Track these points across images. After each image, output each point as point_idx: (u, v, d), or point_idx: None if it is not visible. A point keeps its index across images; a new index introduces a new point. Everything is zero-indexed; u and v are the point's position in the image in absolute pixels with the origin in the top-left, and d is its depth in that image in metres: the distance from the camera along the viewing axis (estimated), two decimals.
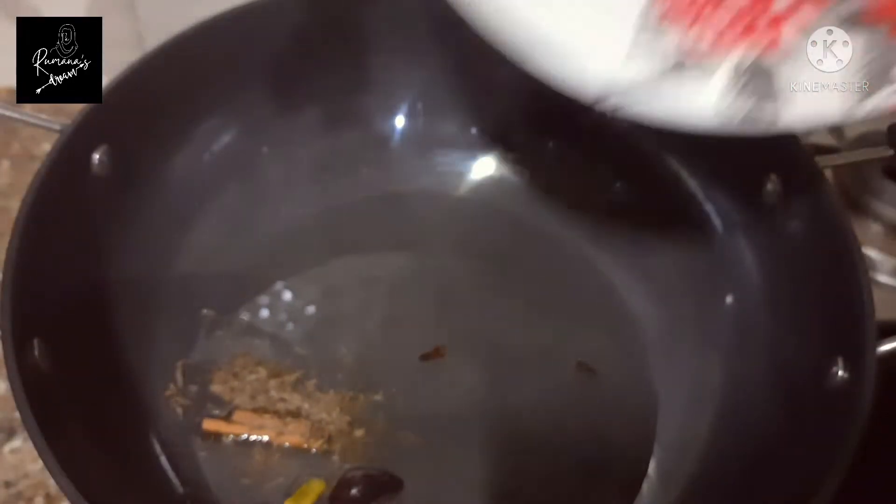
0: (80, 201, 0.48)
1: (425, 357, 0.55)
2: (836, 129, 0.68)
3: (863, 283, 0.44)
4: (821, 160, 0.50)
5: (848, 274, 0.45)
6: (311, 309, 0.58)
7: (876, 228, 0.65)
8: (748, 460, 0.48)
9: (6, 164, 0.68)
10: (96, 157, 0.49)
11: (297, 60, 0.57)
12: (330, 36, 0.58)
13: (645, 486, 0.51)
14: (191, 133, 0.56)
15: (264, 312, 0.57)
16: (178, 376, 0.53)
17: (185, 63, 0.52)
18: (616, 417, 0.54)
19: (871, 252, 0.63)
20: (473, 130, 0.64)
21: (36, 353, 0.42)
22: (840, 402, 0.42)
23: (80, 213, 0.48)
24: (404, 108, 0.63)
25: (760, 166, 0.52)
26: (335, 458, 0.51)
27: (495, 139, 0.64)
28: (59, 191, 0.46)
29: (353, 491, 0.48)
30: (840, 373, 0.43)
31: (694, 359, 0.55)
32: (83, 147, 0.48)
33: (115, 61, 0.51)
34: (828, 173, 0.63)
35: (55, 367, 0.42)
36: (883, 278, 0.63)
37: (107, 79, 0.49)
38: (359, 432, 0.52)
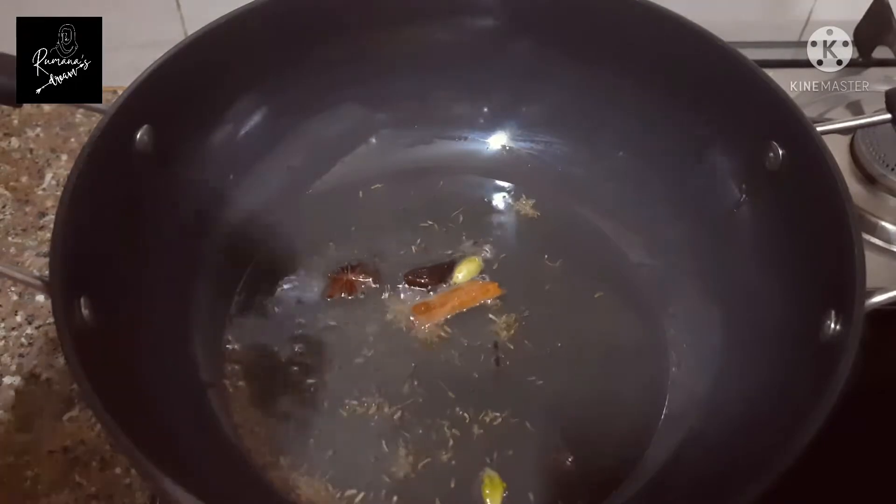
0: (123, 175, 0.50)
1: None
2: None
3: (855, 240, 0.45)
4: (819, 127, 0.50)
5: (841, 231, 0.46)
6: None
7: (893, 202, 0.65)
8: (745, 409, 0.50)
9: (64, 157, 0.72)
10: (138, 135, 0.51)
11: (322, 47, 0.60)
12: (349, 27, 0.60)
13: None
14: (225, 113, 0.59)
15: (293, 281, 0.61)
16: None
17: (217, 50, 0.55)
18: (630, 364, 0.58)
19: (887, 225, 0.63)
20: (485, 109, 0.67)
21: (83, 310, 0.44)
22: (833, 353, 0.43)
23: (124, 184, 0.51)
24: (421, 89, 0.65)
25: (762, 132, 0.53)
26: None
27: (506, 117, 0.67)
28: (103, 164, 0.47)
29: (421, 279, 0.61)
30: (833, 326, 0.45)
31: (698, 313, 0.58)
32: (125, 126, 0.50)
33: None
34: (844, 147, 0.64)
35: (101, 322, 0.45)
36: None
37: None
38: None
